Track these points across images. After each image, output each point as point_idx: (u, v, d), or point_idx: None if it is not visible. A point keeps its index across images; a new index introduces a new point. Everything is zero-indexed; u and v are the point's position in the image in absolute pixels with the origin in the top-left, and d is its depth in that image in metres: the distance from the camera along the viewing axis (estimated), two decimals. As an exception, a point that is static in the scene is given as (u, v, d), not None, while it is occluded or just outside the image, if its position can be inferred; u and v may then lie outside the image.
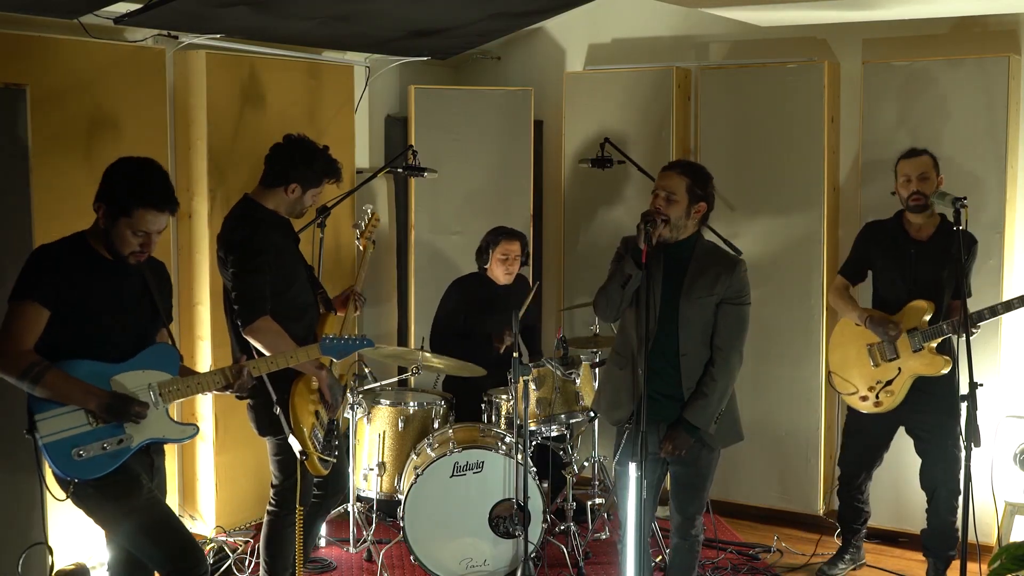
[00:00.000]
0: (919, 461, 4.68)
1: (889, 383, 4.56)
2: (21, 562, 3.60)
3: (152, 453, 3.39)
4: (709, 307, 3.77)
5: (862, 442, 4.77)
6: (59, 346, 3.16)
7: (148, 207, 3.20)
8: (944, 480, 4.56)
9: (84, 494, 3.21)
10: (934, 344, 4.47)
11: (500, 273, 5.46)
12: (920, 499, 4.72)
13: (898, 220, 4.63)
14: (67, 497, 3.19)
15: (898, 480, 5.09)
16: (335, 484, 4.30)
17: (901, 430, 4.71)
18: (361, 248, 4.63)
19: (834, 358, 4.81)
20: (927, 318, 4.48)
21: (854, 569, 4.96)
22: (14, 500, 3.80)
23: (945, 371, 4.46)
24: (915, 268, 4.53)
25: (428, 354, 4.96)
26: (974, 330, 4.26)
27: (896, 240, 4.60)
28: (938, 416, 4.53)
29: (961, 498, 4.49)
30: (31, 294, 3.14)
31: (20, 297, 3.15)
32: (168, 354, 3.38)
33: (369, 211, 4.70)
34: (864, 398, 4.64)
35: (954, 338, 4.46)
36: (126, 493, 3.22)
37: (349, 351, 3.81)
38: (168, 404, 3.32)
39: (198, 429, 3.47)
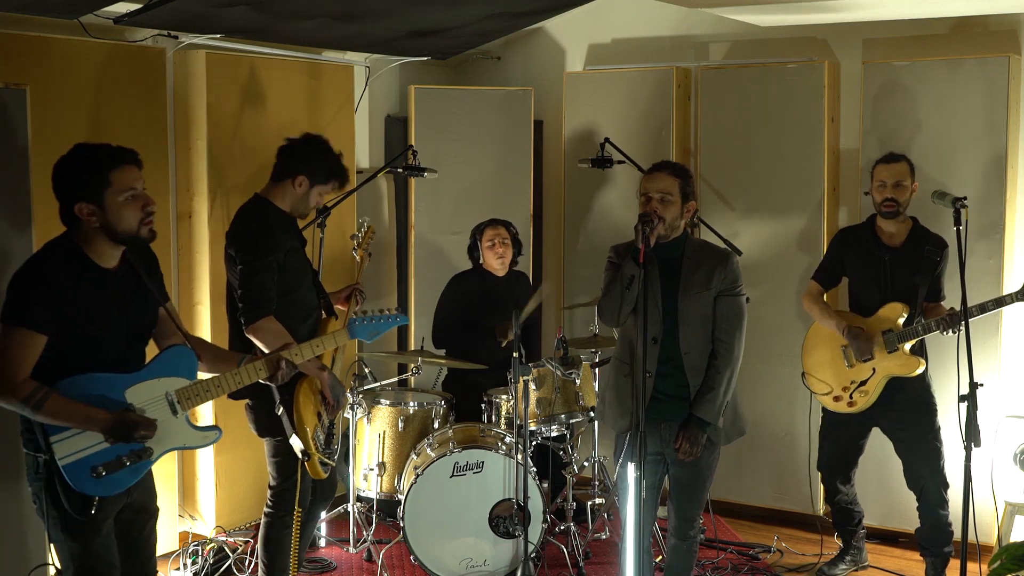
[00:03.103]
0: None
1: (863, 383, 4.60)
2: None
3: None
4: (707, 302, 3.80)
5: (837, 443, 4.80)
6: (67, 363, 3.06)
7: (118, 164, 3.08)
8: (930, 475, 4.60)
9: (46, 513, 3.12)
10: (908, 345, 4.50)
11: (493, 261, 5.46)
12: (915, 499, 4.72)
13: (870, 226, 4.67)
14: (88, 516, 3.07)
15: (894, 480, 5.07)
16: (326, 487, 4.29)
17: (879, 432, 4.74)
18: (358, 259, 4.63)
19: (808, 359, 4.83)
20: (901, 320, 4.52)
21: (856, 570, 4.96)
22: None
23: (919, 371, 4.52)
24: (889, 274, 4.58)
25: (428, 353, 4.96)
26: (959, 329, 4.29)
27: (869, 247, 4.63)
28: (912, 414, 4.59)
29: (950, 491, 4.57)
30: (23, 320, 3.01)
31: (13, 323, 3.02)
32: (184, 356, 3.26)
33: (365, 224, 4.71)
34: (838, 398, 4.67)
35: (941, 337, 4.48)
36: (81, 533, 3.12)
37: (382, 329, 3.70)
38: (188, 411, 3.22)
39: (220, 432, 3.35)
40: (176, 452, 5.04)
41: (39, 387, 3.00)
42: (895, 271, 4.57)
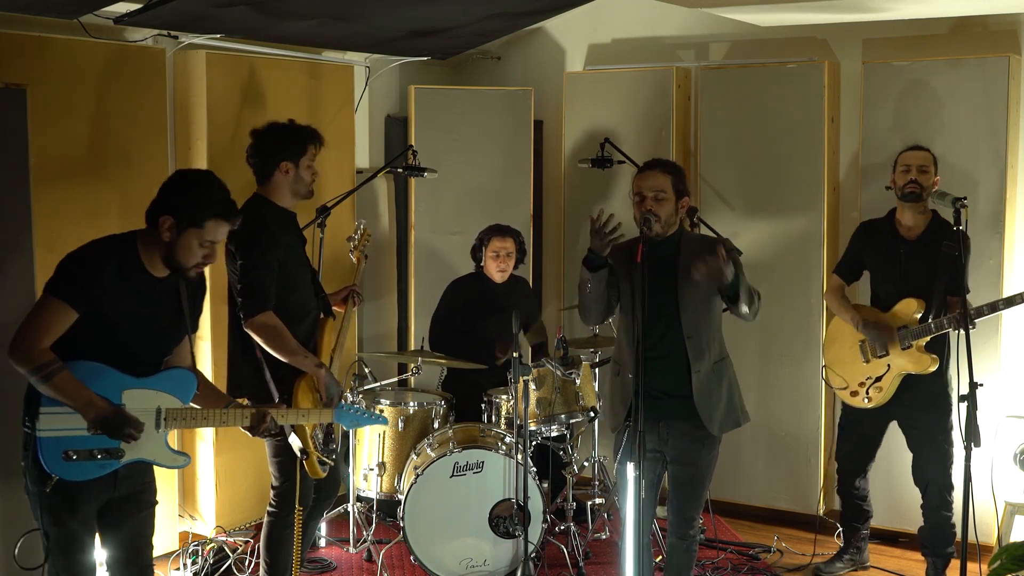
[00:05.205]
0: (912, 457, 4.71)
1: (878, 379, 4.60)
2: (18, 548, 3.59)
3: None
4: (709, 284, 3.77)
5: (855, 436, 4.81)
6: (80, 346, 3.15)
7: (219, 218, 3.24)
8: (935, 475, 4.60)
9: (29, 491, 3.21)
10: (923, 342, 4.51)
11: (494, 270, 5.47)
12: (919, 498, 4.72)
13: (890, 219, 4.67)
14: (47, 490, 3.16)
15: (896, 480, 5.09)
16: (328, 487, 4.29)
17: (895, 429, 4.73)
18: (354, 261, 4.65)
19: (829, 353, 4.85)
20: (917, 316, 4.51)
21: (853, 570, 4.96)
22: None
23: (932, 369, 4.50)
24: (905, 267, 4.57)
25: (428, 353, 4.97)
26: (972, 326, 4.25)
27: (887, 239, 4.63)
28: (928, 412, 4.58)
29: (955, 493, 4.57)
30: (67, 296, 3.11)
31: (55, 294, 3.12)
32: (186, 381, 3.37)
33: (361, 226, 4.72)
34: (855, 393, 4.68)
35: (952, 334, 4.48)
36: (57, 513, 3.19)
37: (362, 423, 3.88)
38: (169, 430, 3.31)
39: (188, 460, 3.49)
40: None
41: (55, 359, 3.09)
42: (911, 264, 4.55)
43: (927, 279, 4.50)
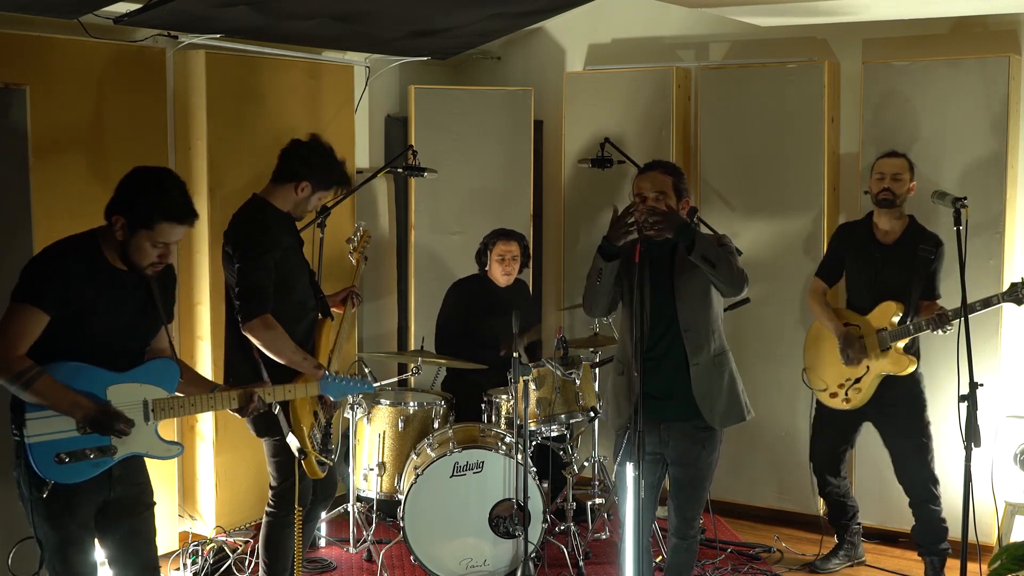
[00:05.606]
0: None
1: (857, 381, 4.66)
2: (11, 557, 3.59)
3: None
4: (704, 277, 3.76)
5: (829, 436, 4.86)
6: (58, 348, 3.13)
7: (171, 220, 3.17)
8: (916, 469, 4.65)
9: (24, 498, 3.18)
10: (901, 344, 4.55)
11: (499, 274, 5.48)
12: (917, 497, 4.75)
13: (867, 223, 4.73)
14: (44, 496, 3.13)
15: (892, 481, 5.06)
16: (326, 486, 4.29)
17: (878, 433, 4.78)
18: (354, 263, 4.65)
19: (808, 355, 4.90)
20: (896, 319, 4.56)
21: (850, 566, 4.98)
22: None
23: (911, 370, 4.58)
24: (881, 271, 4.63)
25: (428, 353, 4.97)
26: (949, 327, 4.40)
27: (864, 243, 4.70)
28: (901, 408, 4.65)
29: (940, 488, 4.65)
30: (35, 300, 3.09)
31: (23, 300, 3.09)
32: (168, 370, 3.35)
33: (361, 228, 4.73)
34: (834, 395, 4.73)
35: (950, 336, 4.50)
36: (54, 518, 3.18)
37: (350, 391, 3.85)
38: (158, 421, 3.30)
39: (183, 448, 3.47)
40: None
41: (33, 365, 3.07)
42: (887, 268, 4.62)
43: (903, 283, 4.57)
